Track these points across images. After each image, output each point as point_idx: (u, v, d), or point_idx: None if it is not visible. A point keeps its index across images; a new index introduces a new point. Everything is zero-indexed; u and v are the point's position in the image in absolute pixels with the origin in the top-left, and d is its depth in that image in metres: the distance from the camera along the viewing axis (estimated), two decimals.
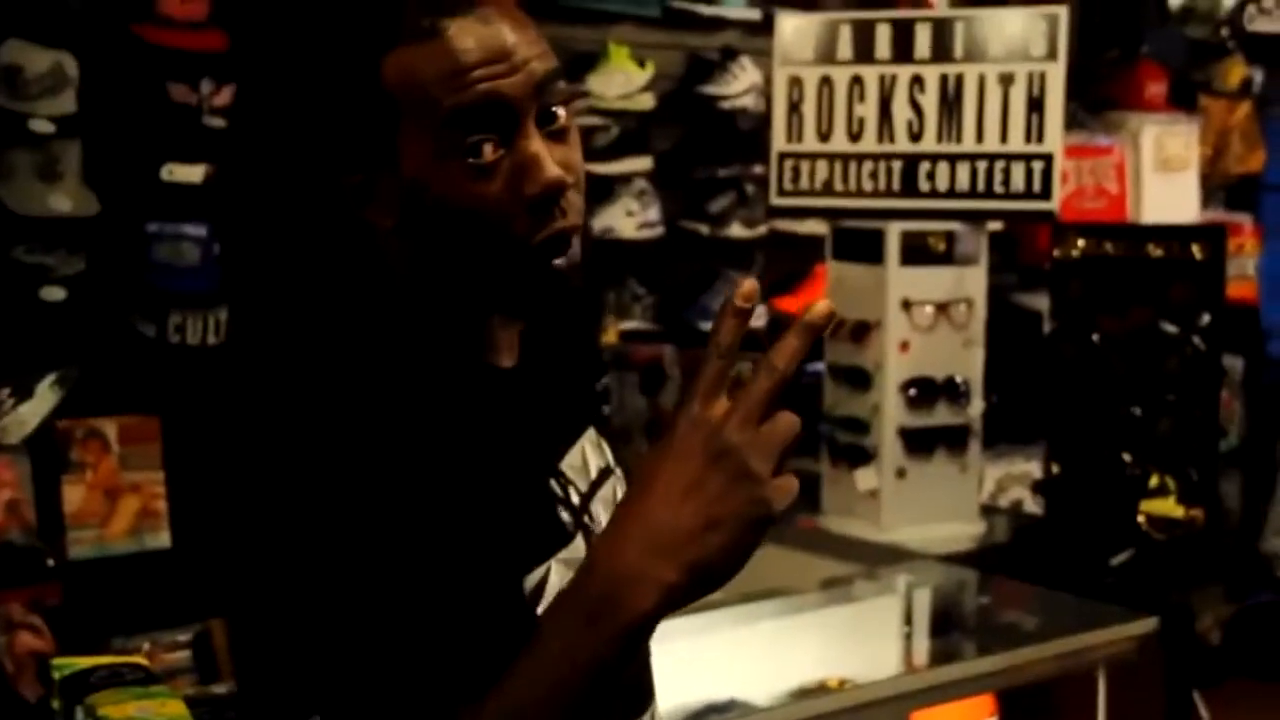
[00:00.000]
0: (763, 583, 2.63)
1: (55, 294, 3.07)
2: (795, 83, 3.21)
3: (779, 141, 3.22)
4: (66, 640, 2.87)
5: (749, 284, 0.96)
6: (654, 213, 3.87)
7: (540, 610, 1.04)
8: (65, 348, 3.07)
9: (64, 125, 3.08)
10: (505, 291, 1.08)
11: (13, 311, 3.04)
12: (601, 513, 1.16)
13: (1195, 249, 2.93)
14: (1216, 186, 4.75)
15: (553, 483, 1.13)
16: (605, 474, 1.21)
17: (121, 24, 3.16)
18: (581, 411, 1.24)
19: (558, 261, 1.07)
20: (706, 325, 3.90)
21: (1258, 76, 4.77)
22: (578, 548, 1.10)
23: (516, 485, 1.07)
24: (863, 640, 2.68)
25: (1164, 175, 4.47)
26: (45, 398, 3.03)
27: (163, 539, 3.20)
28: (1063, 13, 3.07)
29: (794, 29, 3.25)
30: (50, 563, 3.00)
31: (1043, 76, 3.07)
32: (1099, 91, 4.45)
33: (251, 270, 1.23)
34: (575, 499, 1.14)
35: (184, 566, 3.10)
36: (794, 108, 3.21)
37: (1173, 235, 3.04)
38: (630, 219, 3.84)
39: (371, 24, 1.04)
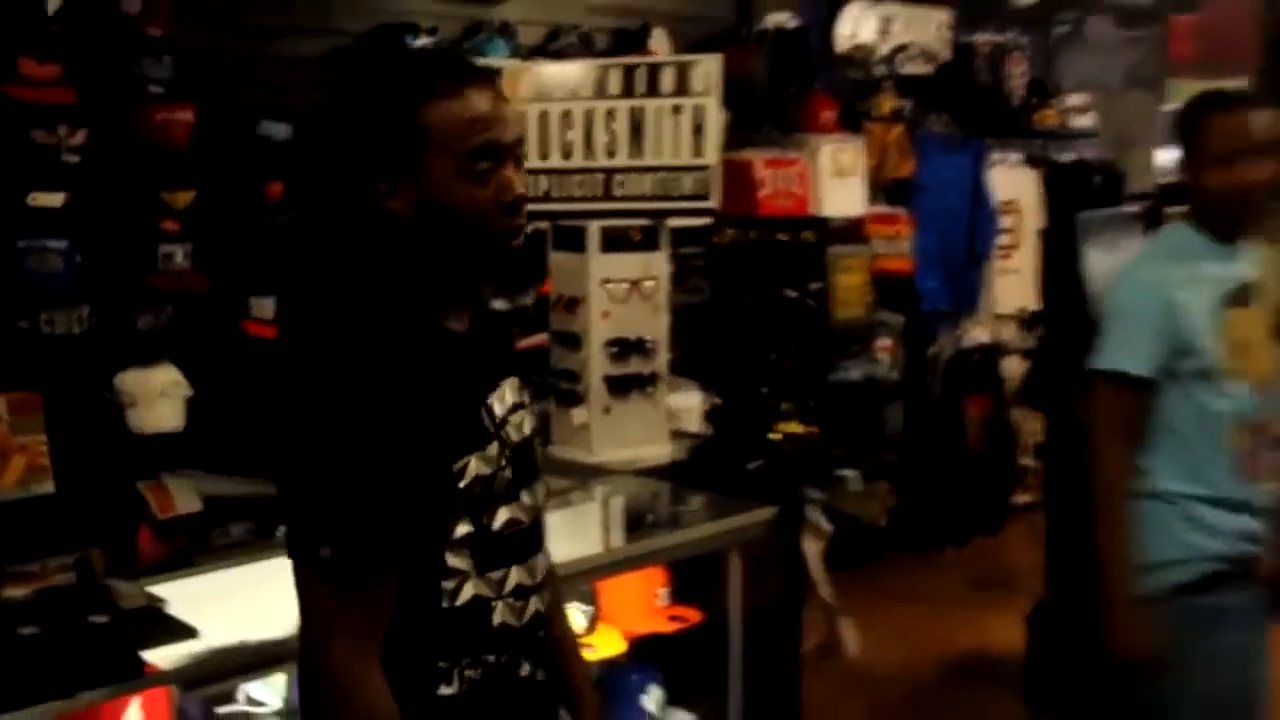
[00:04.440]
0: None
1: None
2: (520, 116, 3.32)
3: None
4: None
5: None
6: None
7: (461, 485, 1.32)
8: None
9: None
10: (485, 258, 1.35)
11: None
12: (512, 432, 1.40)
13: (807, 235, 3.09)
14: (879, 188, 4.92)
15: (482, 408, 1.37)
16: (518, 407, 1.42)
17: None
18: (506, 363, 1.45)
19: (516, 243, 1.36)
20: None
21: (907, 106, 4.98)
22: (492, 448, 1.37)
23: (455, 408, 1.34)
24: (573, 534, 2.76)
25: (838, 180, 4.65)
26: None
27: (48, 487, 3.21)
28: (716, 61, 3.22)
29: (520, 77, 3.36)
30: None
31: (703, 108, 3.22)
32: (787, 117, 4.62)
33: (308, 243, 1.41)
34: (497, 418, 1.39)
35: (65, 508, 3.12)
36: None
37: (791, 226, 3.20)
38: None
39: (413, 85, 1.34)
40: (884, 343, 4.82)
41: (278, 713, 2.31)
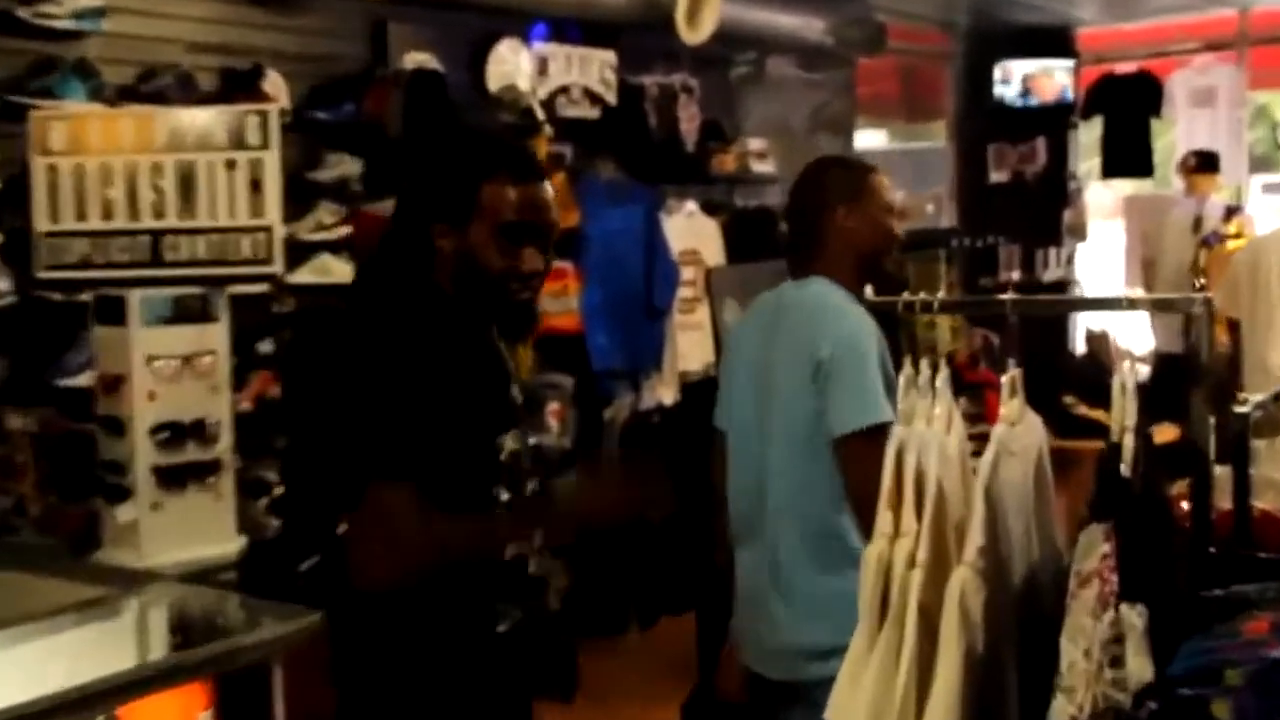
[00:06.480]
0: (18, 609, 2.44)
1: None
2: (53, 170, 3.01)
3: (41, 222, 3.01)
4: None
5: None
6: (4, 284, 3.57)
7: (501, 458, 1.82)
8: None
9: None
10: (489, 306, 1.83)
11: None
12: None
13: None
14: None
15: (509, 398, 1.89)
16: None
17: None
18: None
19: (519, 299, 1.84)
20: (63, 381, 3.64)
21: (569, 152, 4.85)
22: (518, 432, 1.89)
23: (494, 395, 1.85)
24: (88, 654, 2.52)
25: None
26: None
27: None
28: (274, 110, 3.01)
29: (50, 126, 3.05)
30: None
31: (261, 162, 3.00)
32: None
33: (379, 265, 1.88)
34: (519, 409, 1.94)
35: None
36: (53, 192, 3.01)
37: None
38: None
39: (480, 165, 1.83)
40: (554, 407, 4.65)
41: None
